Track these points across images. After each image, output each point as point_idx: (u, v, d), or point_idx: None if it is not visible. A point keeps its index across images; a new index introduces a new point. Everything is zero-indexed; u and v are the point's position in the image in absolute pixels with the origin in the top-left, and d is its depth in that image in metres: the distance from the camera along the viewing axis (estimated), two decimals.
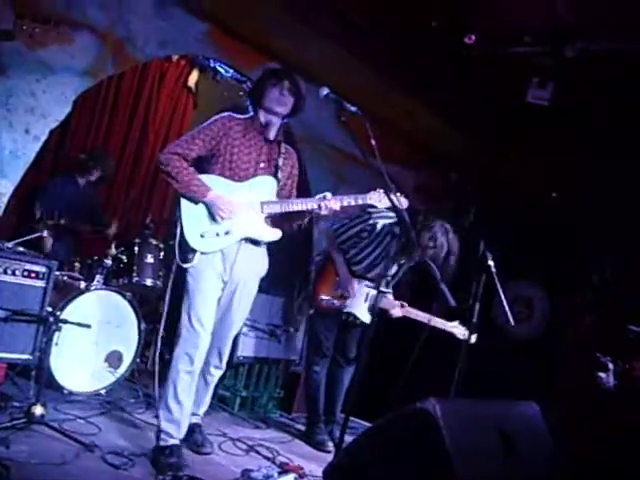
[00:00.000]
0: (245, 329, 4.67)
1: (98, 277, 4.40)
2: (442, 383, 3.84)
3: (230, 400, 4.87)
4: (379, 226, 4.37)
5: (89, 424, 3.62)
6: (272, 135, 3.58)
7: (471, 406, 2.67)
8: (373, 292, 4.42)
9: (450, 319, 4.43)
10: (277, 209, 3.49)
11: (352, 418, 4.13)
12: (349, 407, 3.50)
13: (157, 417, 3.44)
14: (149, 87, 6.39)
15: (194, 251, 3.38)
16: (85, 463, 3.05)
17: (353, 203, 3.52)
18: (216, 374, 3.70)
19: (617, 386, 4.34)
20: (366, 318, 4.41)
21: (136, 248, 4.80)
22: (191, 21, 4.96)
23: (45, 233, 4.58)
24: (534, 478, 2.67)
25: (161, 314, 3.75)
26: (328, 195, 3.46)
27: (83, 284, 4.32)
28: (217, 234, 3.41)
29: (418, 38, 5.30)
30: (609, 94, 5.56)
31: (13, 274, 3.55)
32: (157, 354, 3.77)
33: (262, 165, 3.54)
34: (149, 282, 4.81)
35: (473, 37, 5.18)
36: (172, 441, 3.35)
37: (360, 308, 4.43)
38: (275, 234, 3.54)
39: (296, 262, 5.40)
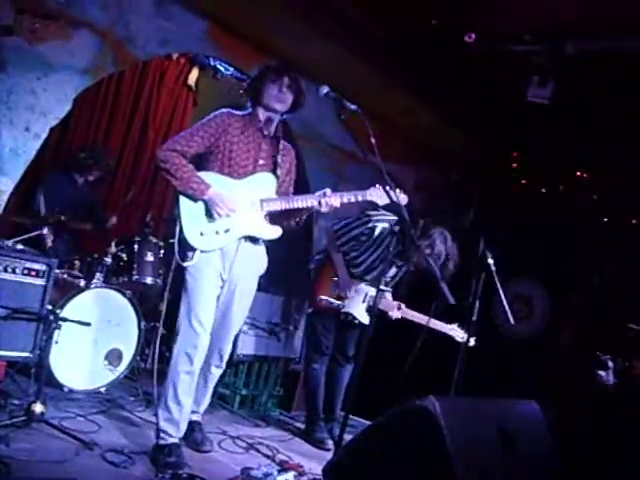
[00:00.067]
0: (245, 327, 4.66)
1: (98, 275, 4.40)
2: (442, 381, 3.84)
3: (230, 398, 4.87)
4: (378, 229, 4.37)
5: (89, 422, 3.62)
6: (271, 132, 3.56)
7: (471, 404, 2.67)
8: (371, 293, 4.42)
9: (449, 321, 4.43)
10: (277, 206, 3.47)
11: (352, 416, 4.13)
12: (349, 405, 3.50)
13: (156, 415, 3.44)
14: (149, 85, 6.39)
15: (193, 249, 3.35)
16: (85, 461, 3.05)
17: (353, 200, 3.51)
18: (216, 373, 3.69)
19: (617, 384, 4.34)
20: (364, 319, 4.41)
21: (136, 246, 4.80)
22: (191, 19, 4.96)
23: (45, 231, 4.58)
24: (533, 476, 2.67)
25: (161, 312, 3.76)
26: (328, 192, 3.45)
27: (83, 282, 4.32)
28: (217, 232, 3.38)
29: (418, 36, 5.31)
30: (609, 93, 5.56)
31: (13, 272, 3.54)
32: (157, 353, 3.77)
33: (261, 162, 3.51)
34: (149, 280, 4.81)
35: (473, 35, 5.17)
36: (171, 440, 3.35)
37: (358, 309, 4.43)
38: (275, 232, 3.52)
39: (296, 260, 5.39)
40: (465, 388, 3.79)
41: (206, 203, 3.37)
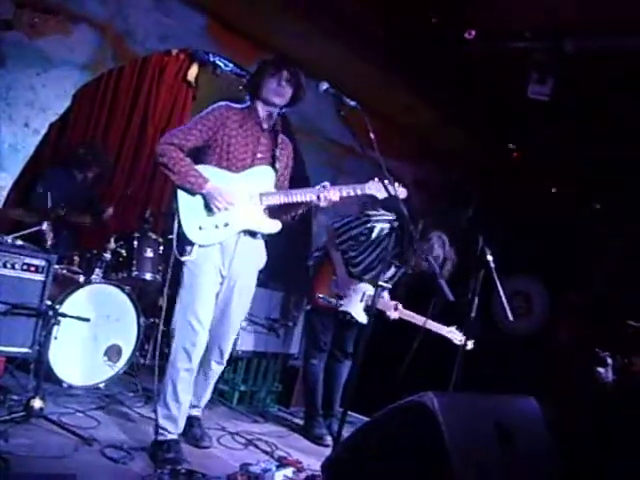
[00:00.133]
0: (243, 323, 4.66)
1: (97, 271, 4.40)
2: (440, 380, 3.84)
3: (229, 394, 4.87)
4: (377, 230, 4.37)
5: (88, 418, 3.63)
6: (269, 125, 3.55)
7: (469, 400, 2.67)
8: (369, 292, 4.42)
9: (448, 322, 4.42)
10: (276, 200, 3.45)
11: (350, 412, 4.13)
12: (347, 401, 3.50)
13: (155, 412, 3.45)
14: (149, 81, 6.37)
15: (192, 244, 3.33)
16: (84, 456, 3.05)
17: (352, 193, 3.50)
18: (217, 369, 3.68)
19: (616, 381, 4.34)
20: (362, 318, 4.42)
21: (135, 242, 4.80)
22: (190, 15, 4.95)
23: (45, 226, 4.57)
24: (531, 472, 2.68)
25: (160, 308, 3.75)
26: (327, 185, 3.44)
27: (82, 278, 4.32)
28: (216, 226, 3.37)
29: (418, 34, 5.30)
30: (609, 91, 5.56)
31: (12, 268, 3.54)
32: (158, 349, 3.77)
33: (259, 155, 3.49)
34: (148, 276, 4.81)
35: (473, 32, 5.17)
36: (170, 436, 3.35)
37: (356, 308, 4.43)
38: (274, 226, 3.51)
39: (295, 256, 5.39)
40: (463, 384, 3.79)
41: (204, 197, 3.34)
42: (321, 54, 5.32)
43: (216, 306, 3.48)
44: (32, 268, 3.61)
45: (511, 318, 4.04)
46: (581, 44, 5.04)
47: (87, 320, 3.89)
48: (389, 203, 3.55)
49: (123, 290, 4.40)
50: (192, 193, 3.35)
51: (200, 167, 3.38)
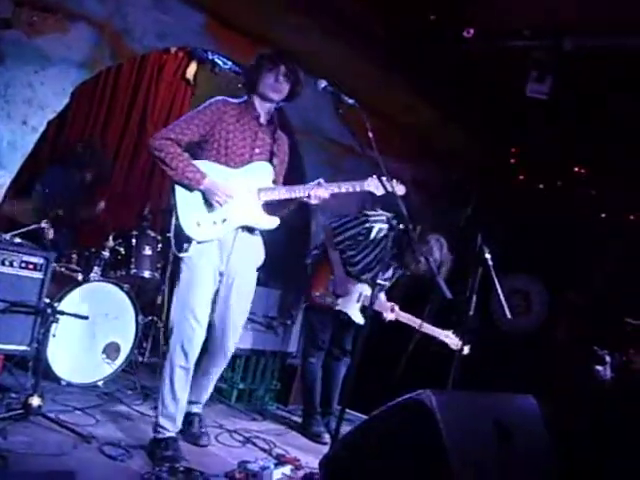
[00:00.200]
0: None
1: (96, 269, 4.40)
2: (439, 379, 3.84)
3: (227, 392, 4.87)
4: (375, 230, 4.37)
5: (86, 415, 3.63)
6: (266, 120, 3.54)
7: (467, 398, 2.68)
8: (366, 292, 4.41)
9: (444, 325, 4.41)
10: (275, 196, 3.44)
11: (348, 410, 4.13)
12: (345, 399, 3.50)
13: (156, 408, 3.45)
14: (147, 79, 6.37)
15: (190, 240, 3.31)
16: (82, 454, 3.05)
17: (351, 189, 3.50)
18: (219, 368, 3.69)
19: (614, 379, 4.34)
20: (358, 319, 4.42)
21: (134, 240, 4.78)
22: (188, 13, 4.94)
23: (44, 224, 4.57)
24: (529, 470, 2.68)
25: (159, 306, 3.75)
26: (322, 182, 3.43)
27: (81, 276, 4.32)
28: (214, 222, 3.35)
29: (418, 33, 5.30)
30: (608, 90, 5.56)
31: (11, 265, 3.54)
32: (160, 348, 3.76)
33: (257, 150, 3.48)
34: (147, 274, 4.79)
35: (472, 31, 5.17)
36: (168, 434, 3.35)
37: (353, 308, 4.43)
38: (272, 222, 3.49)
39: (293, 254, 5.39)
40: (462, 382, 3.79)
41: (203, 193, 3.33)
42: (321, 53, 5.31)
43: (217, 305, 3.47)
44: (30, 266, 3.62)
45: (509, 316, 4.04)
46: (581, 43, 5.04)
47: (85, 318, 3.88)
48: (388, 203, 3.54)
49: (122, 288, 4.39)
50: (190, 189, 3.33)
51: (198, 162, 3.37)
